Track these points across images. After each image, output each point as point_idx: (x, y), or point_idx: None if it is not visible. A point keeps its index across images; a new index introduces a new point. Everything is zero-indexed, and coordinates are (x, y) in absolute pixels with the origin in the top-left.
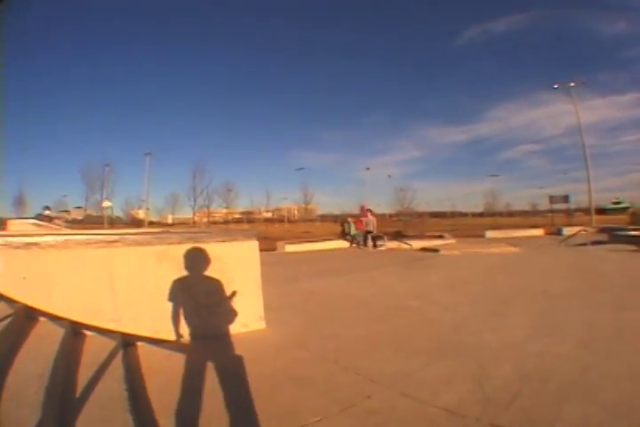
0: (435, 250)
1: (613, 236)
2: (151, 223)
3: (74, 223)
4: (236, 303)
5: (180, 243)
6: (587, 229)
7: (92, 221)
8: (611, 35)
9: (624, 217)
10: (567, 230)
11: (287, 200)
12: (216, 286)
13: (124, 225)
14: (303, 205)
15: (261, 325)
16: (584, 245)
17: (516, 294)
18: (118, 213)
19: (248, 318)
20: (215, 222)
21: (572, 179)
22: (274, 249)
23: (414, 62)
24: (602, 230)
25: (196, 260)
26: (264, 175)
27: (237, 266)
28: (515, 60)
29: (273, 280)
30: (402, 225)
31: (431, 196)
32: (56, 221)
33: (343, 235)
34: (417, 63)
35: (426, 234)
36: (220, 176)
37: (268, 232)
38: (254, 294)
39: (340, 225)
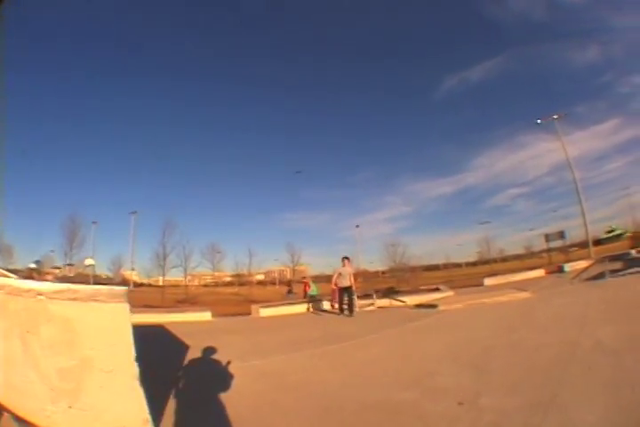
0: (432, 306)
1: (629, 261)
2: (140, 285)
3: (63, 280)
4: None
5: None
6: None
7: (81, 280)
8: (583, 63)
9: (621, 244)
10: (568, 267)
11: (277, 262)
12: (71, 365)
13: None
14: (293, 267)
15: None
16: (601, 278)
17: (567, 362)
18: (104, 272)
19: (124, 422)
20: (206, 285)
21: (562, 216)
22: (248, 313)
23: (396, 117)
24: (606, 259)
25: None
26: (251, 237)
27: (99, 339)
28: (493, 106)
29: (221, 355)
30: (395, 281)
31: (423, 249)
32: (47, 276)
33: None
34: (399, 118)
35: (420, 288)
36: (205, 237)
37: (254, 295)
38: (127, 385)
39: (287, 285)
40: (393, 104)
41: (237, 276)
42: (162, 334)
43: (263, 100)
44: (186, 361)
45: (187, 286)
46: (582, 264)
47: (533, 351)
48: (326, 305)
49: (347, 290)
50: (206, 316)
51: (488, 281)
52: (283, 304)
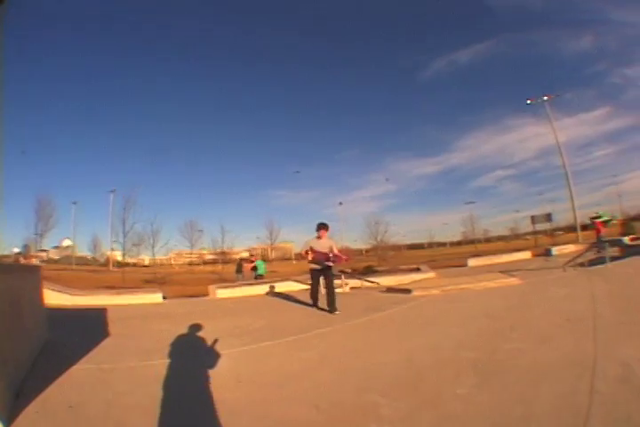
0: (405, 290)
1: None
2: (124, 265)
3: (49, 263)
4: None
5: None
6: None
7: (67, 262)
8: (575, 51)
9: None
10: (556, 250)
11: (259, 240)
12: None
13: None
14: (271, 244)
15: None
16: (600, 263)
17: (581, 407)
18: (86, 253)
19: None
20: (191, 264)
21: (548, 199)
22: (206, 294)
23: (384, 97)
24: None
25: None
26: (234, 216)
27: None
28: (482, 88)
29: (124, 350)
30: (376, 260)
31: (408, 228)
32: (32, 260)
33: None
34: (387, 98)
35: (400, 268)
36: (186, 214)
37: (230, 273)
38: None
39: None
40: (380, 83)
41: (222, 254)
42: (83, 320)
43: (250, 74)
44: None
45: (171, 265)
46: (570, 248)
47: (532, 382)
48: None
49: (323, 273)
50: (157, 298)
51: (472, 262)
52: (243, 285)
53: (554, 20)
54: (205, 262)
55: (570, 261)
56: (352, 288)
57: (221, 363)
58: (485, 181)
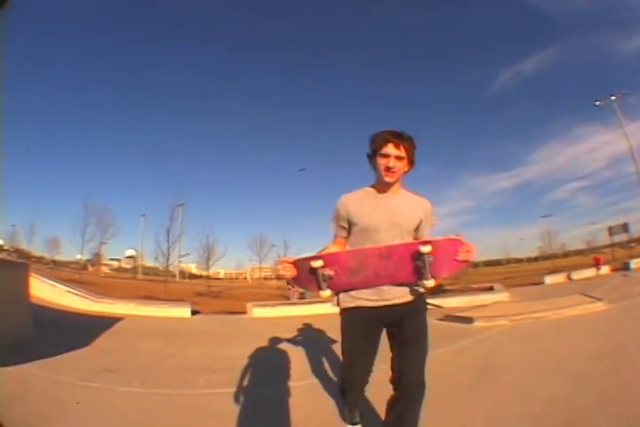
0: (466, 319)
1: None
2: (197, 277)
3: (119, 272)
4: None
5: None
6: None
7: (136, 272)
8: (630, 52)
9: None
10: (634, 263)
11: None
12: None
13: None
14: None
15: None
16: None
17: None
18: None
19: None
20: (266, 278)
21: (623, 209)
22: (244, 312)
23: (456, 113)
24: None
25: None
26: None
27: None
28: (547, 98)
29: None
30: (451, 278)
31: (485, 244)
32: (103, 268)
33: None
34: (458, 114)
35: (471, 286)
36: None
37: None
38: None
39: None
40: (448, 101)
41: None
42: (77, 326)
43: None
44: None
45: (245, 278)
46: None
47: None
48: None
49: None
50: (184, 312)
51: (549, 279)
52: (283, 304)
53: (606, 20)
54: (279, 277)
55: None
56: None
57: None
58: (560, 194)
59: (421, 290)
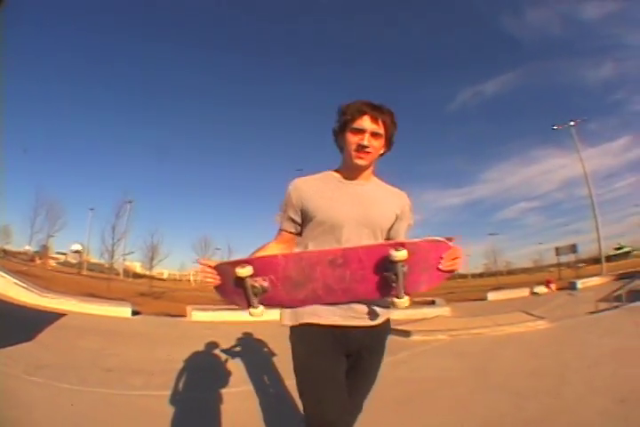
0: (404, 332)
1: None
2: (140, 276)
3: (64, 266)
4: None
5: None
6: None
7: (81, 267)
8: (597, 80)
9: (631, 262)
10: (581, 283)
11: None
12: None
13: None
14: None
15: None
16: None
17: None
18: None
19: None
20: None
21: (572, 231)
22: (184, 315)
23: (413, 126)
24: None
25: None
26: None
27: None
28: (506, 120)
29: None
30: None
31: None
32: (50, 261)
33: None
34: (416, 127)
35: (414, 300)
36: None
37: None
38: None
39: None
40: (406, 116)
41: None
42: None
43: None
44: None
45: (188, 280)
46: (596, 281)
47: None
48: None
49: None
50: (124, 312)
51: (492, 295)
52: (226, 309)
53: (575, 48)
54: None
55: (608, 297)
56: None
57: None
58: (509, 213)
59: (392, 311)
